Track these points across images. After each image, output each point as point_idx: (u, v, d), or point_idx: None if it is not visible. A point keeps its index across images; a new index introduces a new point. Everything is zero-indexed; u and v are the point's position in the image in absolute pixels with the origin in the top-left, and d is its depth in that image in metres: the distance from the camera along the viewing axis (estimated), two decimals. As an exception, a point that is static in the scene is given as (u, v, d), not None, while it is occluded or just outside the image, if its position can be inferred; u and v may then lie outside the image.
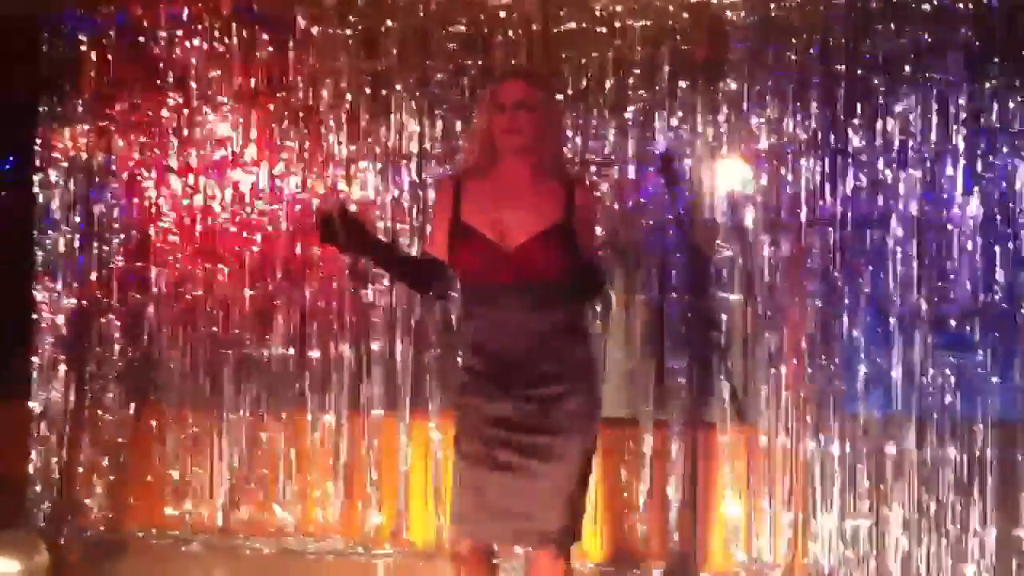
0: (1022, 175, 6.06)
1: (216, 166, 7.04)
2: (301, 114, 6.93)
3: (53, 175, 7.13)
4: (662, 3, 6.43)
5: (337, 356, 6.91)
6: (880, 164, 6.22)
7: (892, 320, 6.20)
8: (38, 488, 7.10)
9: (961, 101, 6.09)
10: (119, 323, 7.14)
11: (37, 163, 7.15)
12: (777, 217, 6.37)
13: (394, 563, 6.79)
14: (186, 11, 7.00)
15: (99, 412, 7.16)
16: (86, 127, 7.13)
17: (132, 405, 7.17)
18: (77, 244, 7.14)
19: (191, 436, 7.10)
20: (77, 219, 7.13)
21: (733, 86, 6.39)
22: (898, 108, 6.17)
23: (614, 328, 6.59)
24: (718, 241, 6.40)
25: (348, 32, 6.83)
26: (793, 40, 6.31)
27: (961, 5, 6.05)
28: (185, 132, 7.06)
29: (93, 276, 7.14)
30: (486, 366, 4.64)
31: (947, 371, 6.15)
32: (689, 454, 6.38)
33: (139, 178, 7.13)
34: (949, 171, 6.12)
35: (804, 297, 6.32)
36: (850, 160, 6.26)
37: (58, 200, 7.13)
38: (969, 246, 6.11)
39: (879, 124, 6.21)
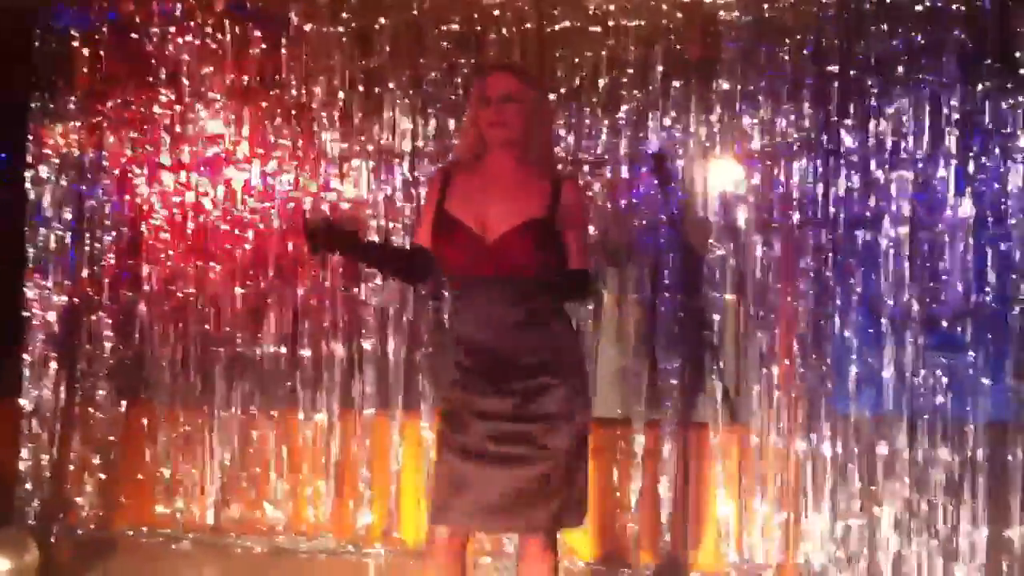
0: (1014, 177, 6.05)
1: (208, 163, 7.04)
2: (294, 111, 6.94)
3: (44, 171, 7.11)
4: (655, 3, 6.43)
5: (329, 355, 6.91)
6: (873, 165, 6.22)
7: (884, 320, 6.20)
8: (28, 486, 7.09)
9: (954, 102, 6.08)
10: (110, 321, 7.13)
11: (29, 159, 7.13)
12: (769, 217, 6.37)
13: (385, 562, 6.79)
14: (179, 7, 7.00)
15: (90, 410, 7.16)
16: (78, 123, 7.12)
17: (123, 403, 7.17)
18: (68, 241, 7.13)
19: (182, 434, 7.11)
20: (68, 216, 7.12)
21: (726, 86, 6.39)
22: (891, 109, 6.17)
23: (607, 327, 6.59)
24: (711, 241, 6.40)
25: (341, 29, 6.83)
26: (786, 40, 6.31)
27: (954, 6, 6.05)
28: (177, 129, 7.06)
29: (84, 273, 7.14)
30: (474, 361, 4.64)
31: (938, 372, 6.15)
32: (681, 454, 6.40)
33: (131, 175, 7.12)
34: (941, 172, 6.11)
35: (796, 297, 6.32)
36: (843, 161, 6.26)
37: (49, 197, 7.12)
38: (961, 247, 6.10)
39: (872, 125, 6.21)
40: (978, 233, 6.10)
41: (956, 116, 6.09)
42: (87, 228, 7.14)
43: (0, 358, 7.17)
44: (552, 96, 6.41)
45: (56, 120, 7.12)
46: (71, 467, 7.14)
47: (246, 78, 6.99)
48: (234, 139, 7.02)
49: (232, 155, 7.02)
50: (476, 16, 6.64)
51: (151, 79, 7.07)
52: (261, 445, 7.02)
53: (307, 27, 6.87)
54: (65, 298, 7.12)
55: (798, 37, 6.29)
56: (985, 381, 6.09)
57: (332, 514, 6.94)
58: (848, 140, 6.24)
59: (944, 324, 6.14)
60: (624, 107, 6.52)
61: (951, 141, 6.10)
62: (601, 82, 6.54)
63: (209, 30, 7.00)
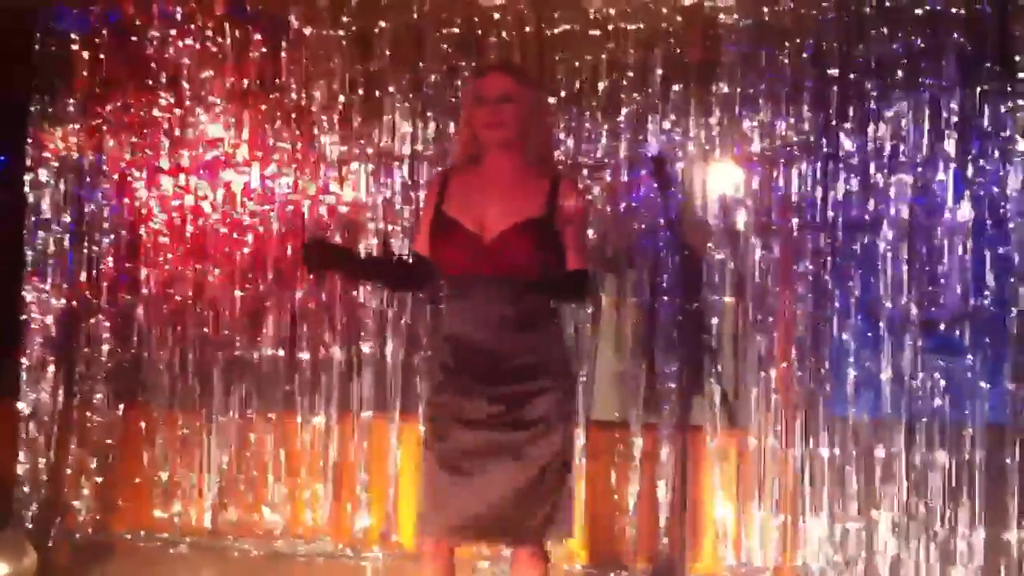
0: (1013, 180, 6.06)
1: (208, 166, 7.04)
2: (293, 115, 6.93)
3: (44, 175, 7.11)
4: (655, 6, 6.44)
5: (327, 357, 6.90)
6: (872, 168, 6.23)
7: (882, 324, 6.21)
8: (26, 489, 7.07)
9: (953, 106, 6.09)
10: (108, 324, 7.13)
11: (28, 163, 7.12)
12: (768, 220, 6.38)
13: (383, 565, 6.78)
14: (179, 11, 7.01)
15: (88, 413, 7.15)
16: (77, 127, 7.12)
17: (121, 406, 7.16)
18: (67, 244, 7.13)
19: (180, 438, 7.09)
20: (67, 219, 7.12)
21: (726, 89, 6.40)
22: (890, 112, 6.17)
23: (605, 330, 6.60)
24: (709, 244, 6.41)
25: (341, 33, 6.83)
26: (786, 44, 6.31)
27: (953, 10, 6.06)
28: (177, 132, 7.07)
29: (83, 276, 7.13)
30: (460, 362, 4.61)
31: (936, 375, 6.15)
32: (679, 457, 6.37)
33: (130, 178, 7.12)
34: (940, 176, 6.12)
35: (795, 300, 6.33)
36: (842, 164, 6.27)
37: (49, 200, 7.12)
38: (960, 250, 6.11)
39: (871, 128, 6.22)
40: (977, 236, 6.10)
41: (955, 119, 6.10)
42: (86, 231, 7.13)
43: (-2, 360, 7.19)
44: (552, 99, 6.43)
45: (56, 123, 7.11)
46: (69, 470, 7.13)
47: (246, 81, 6.99)
48: (233, 142, 7.01)
49: (231, 158, 7.02)
50: (476, 19, 6.64)
51: (151, 82, 7.07)
52: (259, 448, 7.00)
53: (307, 30, 6.87)
54: (63, 301, 7.11)
55: (798, 40, 6.29)
56: (983, 384, 6.09)
57: (330, 517, 6.92)
58: (847, 143, 6.25)
59: (942, 327, 6.15)
60: (624, 110, 6.52)
61: (950, 144, 6.10)
62: (601, 85, 6.54)
63: (209, 33, 7.00)
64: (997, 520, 6.09)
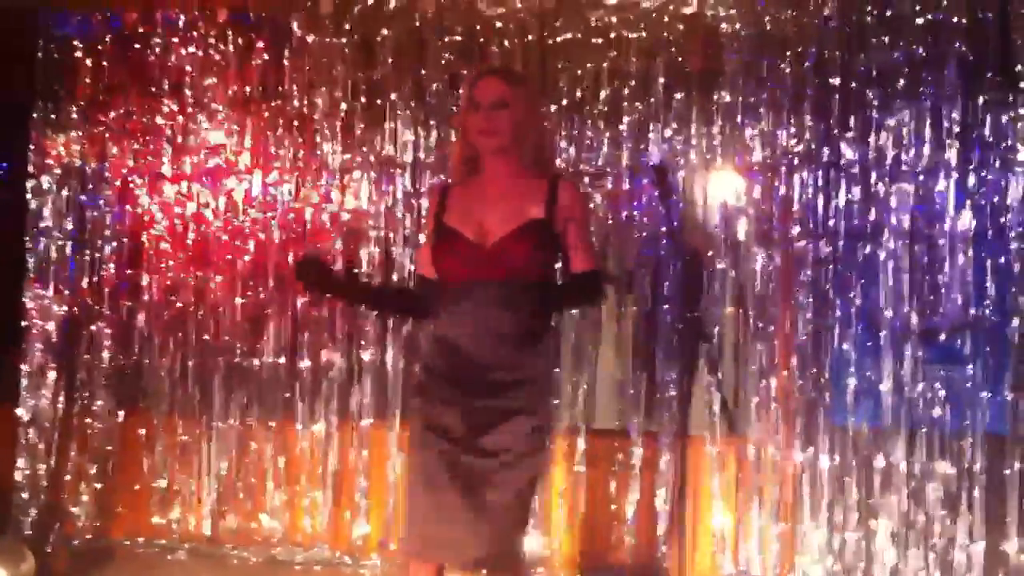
0: (1014, 189, 6.07)
1: (210, 173, 7.06)
2: (296, 122, 6.97)
3: (46, 181, 7.15)
4: (657, 15, 6.46)
5: (327, 365, 6.91)
6: (873, 177, 6.24)
7: (883, 333, 6.21)
8: (25, 495, 7.08)
9: (954, 115, 6.10)
10: (109, 330, 7.15)
11: (30, 169, 7.15)
12: (770, 229, 6.39)
13: (381, 573, 6.77)
14: (182, 18, 7.03)
15: (87, 420, 7.17)
16: (80, 133, 7.15)
17: (121, 413, 7.17)
18: (69, 251, 7.15)
19: (180, 444, 7.10)
20: (69, 226, 7.15)
21: (727, 98, 6.41)
22: (891, 121, 6.18)
23: (606, 338, 6.60)
24: (710, 252, 6.41)
25: (343, 40, 6.86)
26: (787, 53, 6.33)
27: (955, 19, 6.08)
28: (179, 139, 7.09)
29: (84, 283, 7.15)
30: (443, 363, 4.55)
31: (937, 384, 6.16)
32: (678, 465, 6.38)
33: (132, 185, 7.15)
34: (941, 185, 6.14)
35: (795, 309, 6.33)
36: (843, 173, 6.28)
37: (50, 206, 7.15)
38: (960, 260, 6.11)
39: (872, 137, 6.23)
40: (977, 246, 6.11)
41: (956, 129, 6.11)
42: (88, 238, 7.16)
43: (-2, 366, 7.20)
44: (553, 107, 6.48)
45: (58, 130, 7.15)
46: (68, 476, 7.14)
47: (248, 89, 7.02)
48: (235, 149, 7.05)
49: (233, 165, 7.05)
50: (478, 27, 6.67)
51: (153, 89, 7.10)
52: (258, 455, 7.01)
53: (309, 38, 6.90)
54: (64, 307, 7.13)
55: (799, 49, 6.32)
56: (983, 394, 6.09)
57: (329, 525, 6.93)
58: (849, 152, 6.26)
59: (943, 336, 6.16)
60: (625, 119, 6.55)
61: (951, 153, 6.12)
62: (603, 94, 6.57)
63: (212, 41, 7.03)
64: (996, 530, 6.08)
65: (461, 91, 4.89)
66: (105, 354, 7.15)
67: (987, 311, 6.11)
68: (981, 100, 6.09)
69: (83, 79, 7.13)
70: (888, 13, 6.18)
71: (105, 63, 7.13)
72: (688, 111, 6.49)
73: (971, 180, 6.12)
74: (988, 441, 6.11)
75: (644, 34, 6.49)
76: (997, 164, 6.10)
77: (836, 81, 6.25)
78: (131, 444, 7.16)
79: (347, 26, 6.85)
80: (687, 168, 6.48)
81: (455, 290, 4.59)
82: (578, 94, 6.59)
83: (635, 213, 6.54)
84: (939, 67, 6.11)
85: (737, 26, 6.38)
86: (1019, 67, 6.05)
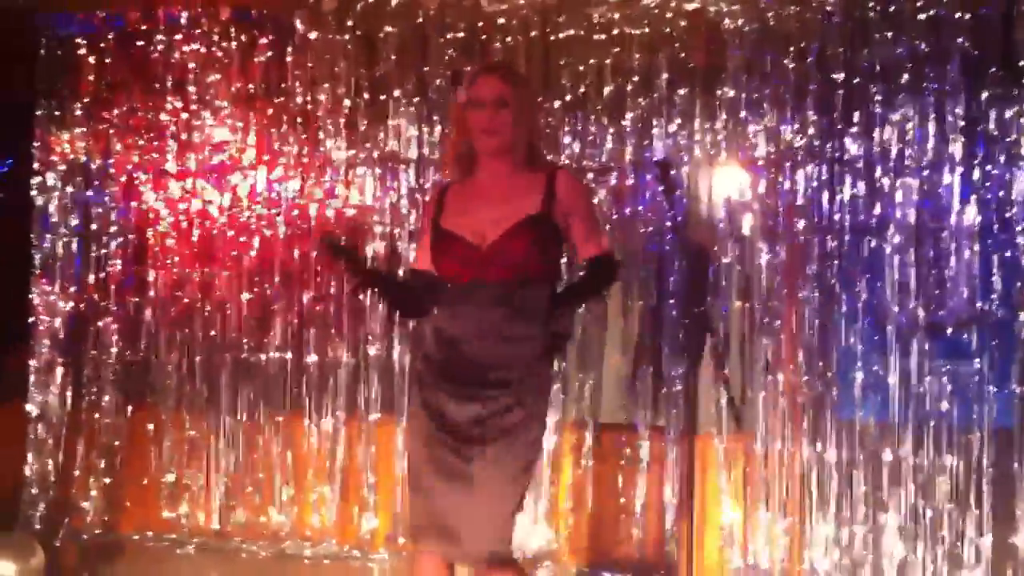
0: (1019, 184, 6.03)
1: (214, 170, 7.07)
2: (299, 119, 6.96)
3: (51, 178, 7.18)
4: (660, 11, 6.41)
5: (334, 360, 6.91)
6: (877, 172, 6.20)
7: (889, 328, 6.18)
8: (34, 490, 7.13)
9: (958, 110, 6.04)
10: (116, 326, 7.18)
11: (35, 166, 7.17)
12: (774, 224, 6.35)
13: (390, 567, 6.78)
14: (185, 15, 7.02)
15: (95, 415, 7.21)
16: (84, 130, 7.17)
17: (128, 408, 7.20)
18: (75, 247, 7.17)
19: (187, 439, 7.12)
20: (75, 222, 7.18)
21: (731, 93, 6.37)
22: (895, 116, 6.13)
23: (612, 334, 6.60)
24: (715, 248, 6.40)
25: (346, 37, 6.85)
26: (790, 48, 6.27)
27: (958, 14, 6.02)
28: (183, 136, 7.10)
29: (90, 279, 7.18)
30: (441, 355, 4.56)
31: (944, 379, 6.12)
32: (686, 460, 6.37)
33: (137, 182, 7.16)
34: (946, 179, 6.09)
35: (801, 304, 6.31)
36: (847, 168, 6.25)
37: (56, 203, 7.18)
38: (966, 254, 6.07)
39: (876, 132, 6.18)
40: (983, 240, 6.07)
41: (961, 123, 6.05)
42: (93, 234, 7.18)
43: (6, 363, 7.21)
44: (556, 103, 6.48)
45: (62, 127, 7.18)
46: (76, 471, 7.20)
47: (252, 85, 7.02)
48: (240, 146, 7.05)
49: (238, 162, 7.05)
50: (481, 24, 6.64)
51: (157, 86, 7.11)
52: (266, 450, 7.02)
53: (312, 34, 6.88)
54: (71, 304, 7.16)
55: (802, 44, 6.26)
56: (991, 388, 6.07)
57: (337, 519, 6.94)
58: (853, 147, 6.21)
59: (949, 331, 6.12)
60: (629, 115, 6.51)
61: (956, 148, 6.07)
62: (606, 90, 6.53)
63: (215, 37, 7.03)
64: (1004, 524, 6.06)
65: (459, 91, 4.85)
66: (112, 350, 7.18)
67: (993, 305, 6.06)
68: (985, 95, 6.03)
69: (86, 76, 7.17)
70: (891, 8, 6.10)
71: (108, 60, 7.14)
72: (691, 107, 6.44)
73: (976, 174, 6.07)
74: (995, 435, 6.08)
75: (647, 30, 6.44)
76: (1002, 159, 6.05)
77: (840, 76, 6.19)
78: (139, 439, 7.19)
79: (350, 23, 6.83)
80: (691, 164, 6.45)
81: (456, 290, 4.60)
82: (581, 90, 6.56)
83: (639, 209, 6.52)
84: (943, 62, 6.04)
85: (740, 22, 6.33)
86: (1022, 62, 6.01)
